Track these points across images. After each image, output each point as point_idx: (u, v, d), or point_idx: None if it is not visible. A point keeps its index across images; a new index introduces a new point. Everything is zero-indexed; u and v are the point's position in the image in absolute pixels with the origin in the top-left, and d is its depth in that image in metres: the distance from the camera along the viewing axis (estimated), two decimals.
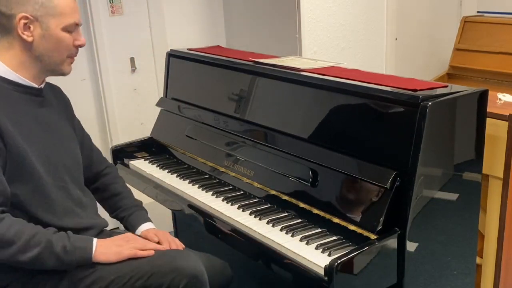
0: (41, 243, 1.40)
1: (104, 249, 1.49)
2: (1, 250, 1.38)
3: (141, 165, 2.26)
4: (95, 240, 1.50)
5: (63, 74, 1.58)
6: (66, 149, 1.63)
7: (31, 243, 1.39)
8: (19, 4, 1.46)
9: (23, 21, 1.47)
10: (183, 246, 1.69)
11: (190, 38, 3.21)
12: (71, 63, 1.58)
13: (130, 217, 1.78)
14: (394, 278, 1.53)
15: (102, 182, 1.84)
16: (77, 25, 1.54)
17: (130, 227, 1.76)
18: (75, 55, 1.58)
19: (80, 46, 1.56)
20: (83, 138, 1.80)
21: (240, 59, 2.16)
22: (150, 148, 2.39)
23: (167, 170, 2.17)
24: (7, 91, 1.49)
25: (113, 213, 1.83)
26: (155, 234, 1.69)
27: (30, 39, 1.49)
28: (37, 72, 1.55)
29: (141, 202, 1.85)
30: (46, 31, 1.49)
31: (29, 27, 1.48)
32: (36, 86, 1.56)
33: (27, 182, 1.46)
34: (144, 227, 1.75)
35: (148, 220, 1.79)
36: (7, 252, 1.38)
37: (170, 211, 2.33)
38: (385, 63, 3.42)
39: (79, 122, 1.81)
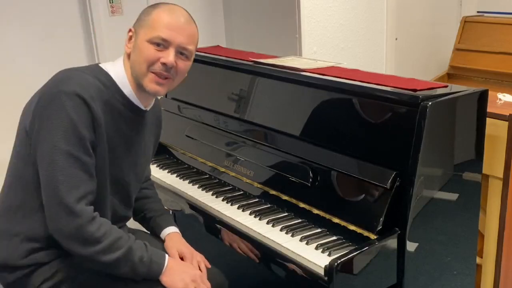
0: (122, 248, 1.43)
1: (171, 274, 1.51)
2: (87, 247, 1.40)
3: None
4: (167, 257, 1.53)
5: (148, 91, 1.53)
6: (136, 170, 1.65)
7: (114, 246, 1.42)
8: (136, 21, 1.56)
9: (129, 34, 1.55)
10: (208, 264, 1.66)
11: None
12: (156, 81, 1.51)
13: (158, 218, 1.76)
14: (394, 278, 1.53)
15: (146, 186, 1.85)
16: (165, 40, 1.49)
17: (157, 227, 1.74)
18: (160, 73, 1.50)
19: (165, 64, 1.49)
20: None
21: (240, 59, 2.16)
22: None
23: (167, 170, 2.17)
24: (118, 105, 1.52)
25: (138, 215, 1.80)
26: (185, 252, 1.66)
27: (129, 50, 1.54)
28: (137, 88, 1.54)
29: (168, 212, 1.84)
30: (136, 41, 1.52)
31: (131, 39, 1.54)
32: (142, 107, 1.58)
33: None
34: (170, 230, 1.74)
35: (174, 224, 1.77)
36: (92, 249, 1.40)
37: (170, 211, 2.33)
38: (385, 63, 3.43)
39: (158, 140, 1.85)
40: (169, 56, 1.49)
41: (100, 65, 1.57)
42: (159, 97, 1.79)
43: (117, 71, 1.54)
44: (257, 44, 3.11)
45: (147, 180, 1.87)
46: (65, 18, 2.84)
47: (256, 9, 3.16)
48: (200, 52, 2.40)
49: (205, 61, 2.29)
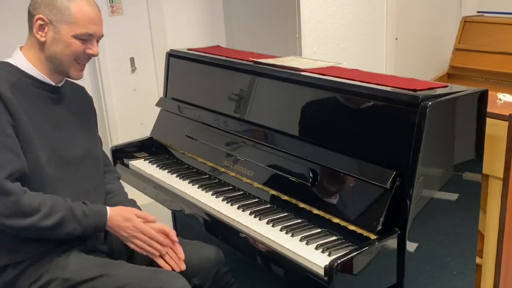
0: (62, 209, 1.52)
1: (116, 216, 1.59)
2: (28, 218, 1.47)
3: (141, 165, 2.26)
4: (108, 208, 1.61)
5: (71, 78, 1.67)
6: (76, 144, 1.69)
7: (53, 210, 1.50)
8: (40, 6, 1.58)
9: (39, 22, 1.58)
10: (176, 239, 1.66)
11: (190, 38, 3.21)
12: (80, 69, 1.65)
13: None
14: (394, 278, 1.53)
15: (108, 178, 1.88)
16: (91, 35, 1.61)
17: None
18: (85, 62, 1.65)
19: (92, 55, 1.64)
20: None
21: (240, 59, 2.16)
22: (150, 148, 2.39)
23: (167, 170, 2.17)
24: (26, 85, 1.59)
25: None
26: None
27: (42, 39, 1.59)
28: (50, 71, 1.63)
29: (134, 201, 1.84)
30: (57, 35, 1.59)
31: (44, 28, 1.59)
32: (52, 83, 1.65)
33: (29, 170, 1.53)
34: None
35: (136, 207, 1.77)
36: (32, 219, 1.47)
37: (170, 211, 2.33)
38: (385, 63, 3.42)
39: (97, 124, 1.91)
40: (95, 47, 1.64)
41: (1, 60, 1.66)
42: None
43: (18, 59, 1.62)
44: (257, 44, 3.11)
45: (108, 171, 1.89)
46: None
47: (256, 9, 3.16)
48: (200, 52, 2.40)
49: (205, 61, 2.29)
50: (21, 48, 1.65)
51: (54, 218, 1.49)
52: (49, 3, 1.58)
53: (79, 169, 1.68)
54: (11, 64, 1.62)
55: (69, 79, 1.73)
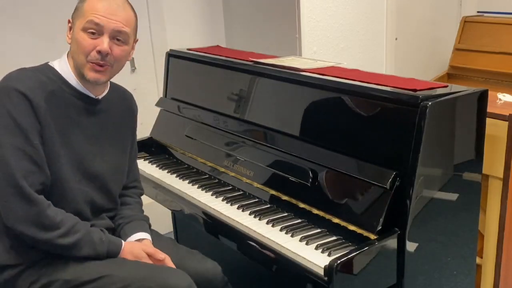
0: (81, 230, 1.51)
1: (127, 253, 1.58)
2: (47, 232, 1.47)
3: (141, 165, 2.26)
4: (123, 242, 1.61)
5: (87, 79, 1.55)
6: (106, 160, 1.65)
7: (73, 229, 1.50)
8: (74, 11, 1.57)
9: (68, 25, 1.58)
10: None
11: (190, 38, 3.21)
12: (95, 70, 1.53)
13: (126, 225, 1.72)
14: (394, 278, 1.53)
15: (121, 193, 1.81)
16: (97, 25, 1.50)
17: (123, 236, 1.69)
18: (97, 62, 1.52)
19: (100, 52, 1.51)
20: (132, 151, 1.81)
21: (240, 59, 2.16)
22: (150, 148, 2.39)
23: (166, 170, 2.17)
24: (64, 95, 1.55)
25: (118, 220, 1.76)
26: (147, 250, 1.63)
27: (69, 41, 1.57)
28: (80, 77, 1.57)
29: (147, 218, 1.80)
30: (73, 32, 1.55)
31: (71, 30, 1.57)
32: (92, 96, 1.61)
33: (52, 182, 1.52)
34: (138, 236, 1.68)
35: (144, 231, 1.71)
36: (52, 234, 1.47)
37: (169, 211, 2.33)
38: (385, 63, 3.42)
39: (136, 136, 1.85)
40: (104, 44, 1.51)
41: (48, 63, 1.61)
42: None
43: (62, 65, 1.58)
44: (257, 44, 3.10)
45: (134, 187, 1.84)
46: (65, 18, 2.83)
47: (256, 9, 3.15)
48: (200, 52, 2.40)
49: (205, 61, 2.29)
50: (68, 52, 1.60)
51: (72, 238, 1.49)
52: (76, 7, 1.57)
53: (103, 184, 1.65)
54: (54, 69, 1.57)
55: (120, 89, 1.72)
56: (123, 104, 1.75)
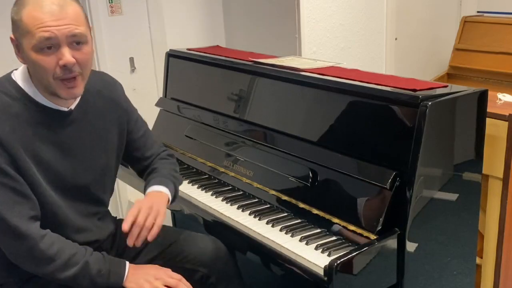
0: (78, 264, 1.43)
1: (134, 279, 1.49)
2: (42, 266, 1.41)
3: None
4: (127, 265, 1.51)
5: (64, 98, 1.43)
6: (87, 169, 1.56)
7: (69, 263, 1.42)
8: (12, 24, 1.37)
9: (13, 43, 1.40)
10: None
11: (190, 38, 3.21)
12: (67, 87, 1.38)
13: (149, 177, 1.69)
14: (393, 278, 1.53)
15: (153, 162, 1.77)
16: (50, 39, 1.31)
17: (144, 188, 1.68)
18: (66, 77, 1.36)
19: (65, 65, 1.34)
20: (132, 132, 1.72)
21: (240, 59, 2.16)
22: None
23: None
24: (31, 114, 1.42)
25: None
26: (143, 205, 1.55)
27: (23, 62, 1.41)
28: (49, 94, 1.43)
29: (175, 177, 1.71)
30: (24, 54, 1.37)
31: (19, 49, 1.39)
32: (63, 109, 1.48)
33: (40, 204, 1.45)
34: (152, 189, 1.64)
35: (161, 184, 1.64)
36: (47, 269, 1.41)
37: (169, 211, 2.33)
38: (385, 63, 3.42)
39: (135, 115, 1.73)
40: (65, 56, 1.33)
41: (12, 74, 1.46)
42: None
43: (25, 79, 1.43)
44: (256, 44, 3.10)
45: (161, 152, 1.78)
46: None
47: (256, 9, 3.15)
48: (200, 52, 2.39)
49: (205, 61, 2.29)
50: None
51: (69, 272, 1.41)
52: (12, 20, 1.36)
53: (89, 193, 1.59)
54: (17, 85, 1.43)
55: (96, 84, 1.57)
56: (101, 97, 1.60)
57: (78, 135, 1.53)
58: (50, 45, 1.32)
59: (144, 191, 1.69)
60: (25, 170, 1.40)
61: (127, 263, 1.52)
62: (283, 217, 1.72)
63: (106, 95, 1.62)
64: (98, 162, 1.60)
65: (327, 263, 1.40)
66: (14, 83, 1.44)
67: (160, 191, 1.64)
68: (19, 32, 1.34)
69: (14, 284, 1.51)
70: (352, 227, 1.55)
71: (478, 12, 4.06)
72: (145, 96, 3.12)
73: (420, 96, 1.49)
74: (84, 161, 1.55)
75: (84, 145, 1.55)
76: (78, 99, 1.52)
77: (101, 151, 1.61)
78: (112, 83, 1.68)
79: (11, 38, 1.39)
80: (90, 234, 1.60)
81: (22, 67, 1.47)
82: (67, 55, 1.33)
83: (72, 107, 1.51)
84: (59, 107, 1.47)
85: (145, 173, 1.78)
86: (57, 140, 1.48)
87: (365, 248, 1.43)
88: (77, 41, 1.36)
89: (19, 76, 1.45)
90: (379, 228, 1.48)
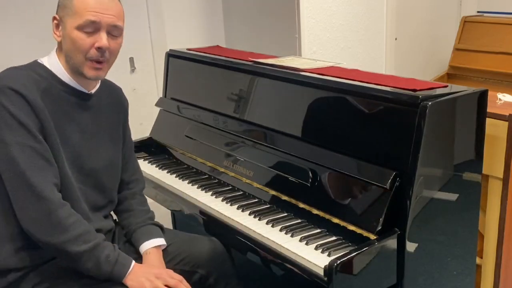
0: (90, 242, 1.46)
1: (135, 277, 1.50)
2: (55, 234, 1.42)
3: (141, 165, 2.24)
4: (133, 262, 1.53)
5: (87, 77, 1.55)
6: (100, 156, 1.64)
7: (82, 238, 1.45)
8: (57, 7, 1.55)
9: (54, 22, 1.55)
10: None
11: (190, 38, 3.21)
12: (95, 67, 1.53)
13: (136, 231, 1.72)
14: (393, 278, 1.53)
15: (123, 194, 1.80)
16: (93, 23, 1.48)
17: (136, 243, 1.70)
18: (97, 59, 1.52)
19: (100, 48, 1.50)
20: (124, 145, 1.80)
21: (240, 59, 2.16)
22: (149, 148, 2.39)
23: (166, 170, 2.17)
24: (57, 92, 1.54)
25: (124, 230, 1.77)
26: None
27: (59, 39, 1.54)
28: (75, 74, 1.55)
29: (160, 227, 1.78)
30: (65, 31, 1.51)
31: (58, 27, 1.54)
32: (85, 91, 1.60)
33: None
34: (147, 245, 1.68)
35: (156, 236, 1.70)
36: (59, 237, 1.42)
37: (169, 211, 2.33)
38: (385, 63, 3.42)
39: (129, 128, 1.83)
40: (102, 40, 1.50)
41: (37, 60, 1.59)
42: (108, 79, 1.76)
43: (52, 61, 1.56)
44: (256, 44, 3.10)
45: (135, 180, 1.82)
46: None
47: (256, 9, 3.15)
48: (200, 52, 2.39)
49: (205, 61, 2.29)
50: (57, 49, 1.58)
51: (78, 247, 1.43)
52: (61, 1, 1.54)
53: (97, 180, 1.63)
54: (44, 67, 1.55)
55: (107, 83, 1.69)
56: (112, 98, 1.73)
57: (95, 120, 1.64)
58: (93, 29, 1.49)
59: (135, 243, 1.71)
60: (51, 141, 1.48)
61: (133, 261, 1.54)
62: (283, 217, 1.72)
63: (116, 97, 1.77)
64: (108, 152, 1.68)
65: (327, 263, 1.40)
66: (41, 65, 1.56)
67: (156, 245, 1.69)
68: (66, 11, 1.50)
69: (23, 269, 1.51)
70: (352, 227, 1.55)
71: (478, 12, 4.06)
72: (145, 96, 3.12)
73: (420, 96, 1.49)
74: (97, 147, 1.64)
75: (99, 131, 1.65)
76: (97, 86, 1.65)
77: (111, 144, 1.70)
78: (121, 92, 1.81)
79: (53, 18, 1.55)
80: (89, 223, 1.59)
81: (48, 56, 1.58)
82: (104, 39, 1.50)
83: (92, 91, 1.63)
84: (82, 89, 1.59)
85: (120, 193, 1.79)
86: (78, 120, 1.59)
87: (365, 248, 1.42)
88: (114, 32, 1.54)
89: (45, 60, 1.58)
90: (379, 228, 1.48)
